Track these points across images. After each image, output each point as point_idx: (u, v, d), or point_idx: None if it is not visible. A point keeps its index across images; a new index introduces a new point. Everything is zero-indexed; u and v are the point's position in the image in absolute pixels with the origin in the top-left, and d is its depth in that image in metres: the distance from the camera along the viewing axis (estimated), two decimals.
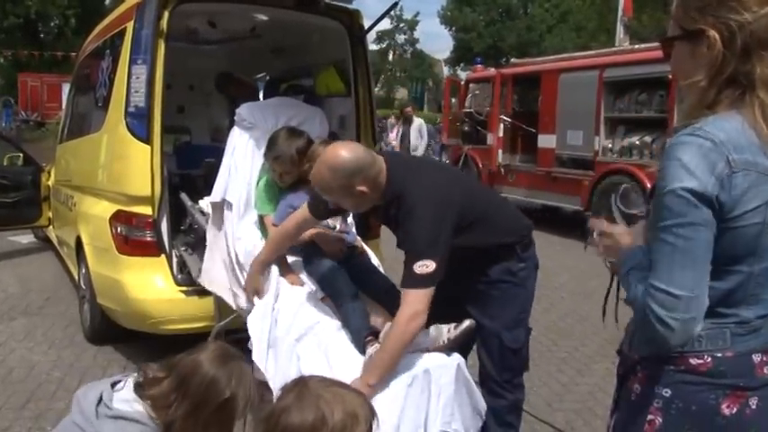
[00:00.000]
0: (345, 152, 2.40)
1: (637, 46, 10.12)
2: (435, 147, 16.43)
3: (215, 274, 3.44)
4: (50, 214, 7.06)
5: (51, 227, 7.07)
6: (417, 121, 12.36)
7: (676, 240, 1.34)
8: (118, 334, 4.43)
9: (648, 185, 8.43)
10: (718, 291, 1.40)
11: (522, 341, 2.75)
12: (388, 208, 2.51)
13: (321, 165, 2.43)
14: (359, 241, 3.32)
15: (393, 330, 2.33)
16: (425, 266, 2.28)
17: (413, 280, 2.30)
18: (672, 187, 1.35)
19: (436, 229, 2.35)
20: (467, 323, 2.51)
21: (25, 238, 8.29)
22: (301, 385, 1.54)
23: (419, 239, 2.34)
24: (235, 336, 3.62)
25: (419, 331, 2.34)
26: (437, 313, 2.43)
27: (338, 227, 3.13)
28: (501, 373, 2.72)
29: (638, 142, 8.89)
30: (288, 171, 3.26)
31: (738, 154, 1.34)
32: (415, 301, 2.29)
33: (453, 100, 13.70)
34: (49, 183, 7.08)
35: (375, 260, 3.20)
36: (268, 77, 6.42)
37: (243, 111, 3.60)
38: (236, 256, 3.23)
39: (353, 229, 3.40)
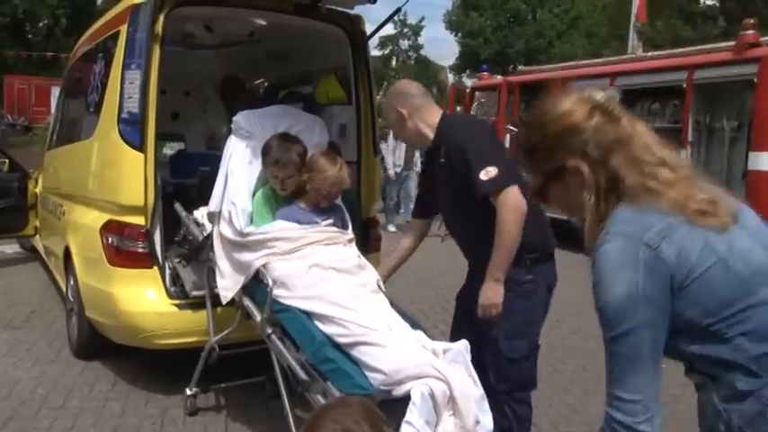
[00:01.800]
0: (401, 82, 3.27)
1: (650, 53, 10.20)
2: None
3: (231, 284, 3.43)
4: (37, 223, 7.09)
5: (38, 236, 7.10)
6: None
7: (620, 349, 1.48)
8: (107, 349, 4.45)
9: None
10: (747, 329, 1.46)
11: (523, 353, 2.85)
12: (438, 148, 2.93)
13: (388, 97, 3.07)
14: (350, 234, 3.40)
15: (501, 228, 2.65)
16: (488, 172, 2.64)
17: (485, 186, 2.65)
18: (605, 301, 1.49)
19: (488, 145, 2.82)
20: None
21: (10, 248, 8.33)
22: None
23: (476, 154, 2.72)
24: (228, 351, 3.67)
25: (522, 220, 2.66)
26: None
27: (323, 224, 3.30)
28: (498, 383, 2.82)
29: None
30: (290, 175, 3.33)
31: (650, 230, 1.46)
32: (504, 199, 2.64)
33: (458, 108, 13.76)
34: (37, 190, 7.12)
35: (374, 274, 3.24)
36: (266, 84, 6.48)
37: (240, 119, 3.63)
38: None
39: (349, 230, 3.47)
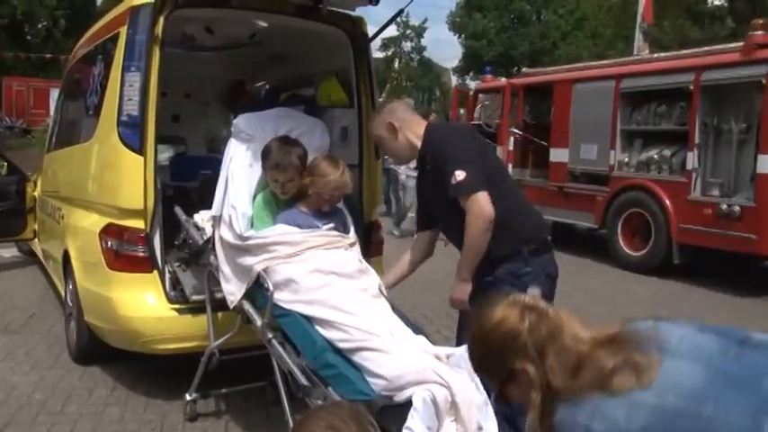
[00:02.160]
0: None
1: (657, 54, 10.20)
2: None
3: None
4: (36, 227, 7.12)
5: (36, 240, 7.13)
6: None
7: None
8: (106, 354, 4.46)
9: (667, 202, 8.52)
10: None
11: None
12: (424, 157, 3.09)
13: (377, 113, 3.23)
14: (351, 238, 3.42)
15: (466, 232, 2.85)
16: (456, 176, 2.81)
17: (453, 190, 2.84)
18: None
19: (462, 149, 2.95)
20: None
21: (8, 252, 8.36)
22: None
23: (447, 157, 2.91)
24: (229, 356, 3.68)
25: (489, 227, 2.83)
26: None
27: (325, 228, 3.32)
28: None
29: (656, 156, 8.93)
30: (291, 178, 3.34)
31: (581, 415, 1.54)
32: (469, 205, 2.82)
33: (462, 111, 13.77)
34: (35, 193, 7.14)
35: (376, 278, 3.25)
36: (267, 86, 6.50)
37: (240, 122, 3.65)
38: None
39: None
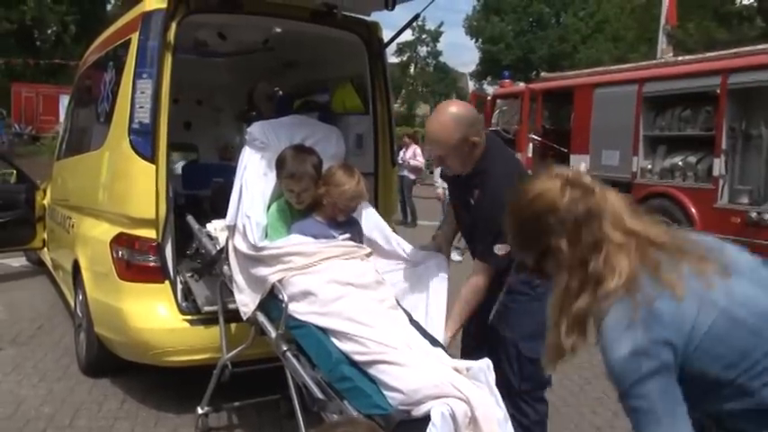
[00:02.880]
0: (463, 105, 3.09)
1: (681, 57, 10.16)
2: None
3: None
4: (45, 236, 7.17)
5: (46, 249, 7.19)
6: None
7: (634, 404, 1.55)
8: (116, 366, 4.49)
9: (693, 210, 8.46)
10: None
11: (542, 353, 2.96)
12: (472, 177, 3.03)
13: (442, 117, 2.95)
14: (367, 248, 3.43)
15: (463, 294, 3.02)
16: (502, 249, 2.85)
17: (492, 258, 2.92)
18: (611, 363, 1.59)
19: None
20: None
21: (17, 261, 8.43)
22: None
23: (497, 222, 2.78)
24: (242, 369, 3.69)
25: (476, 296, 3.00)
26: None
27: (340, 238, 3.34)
28: (521, 383, 3.01)
29: (681, 163, 8.89)
30: (306, 188, 3.35)
31: (642, 292, 1.56)
32: (485, 274, 2.97)
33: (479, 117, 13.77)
34: (45, 202, 7.21)
35: (392, 289, 3.26)
36: (281, 93, 6.54)
37: (254, 130, 3.66)
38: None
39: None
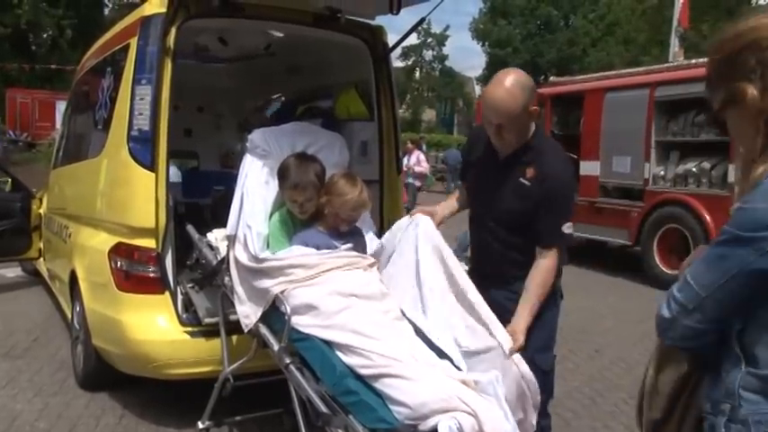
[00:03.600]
0: (523, 72, 3.01)
1: (695, 60, 10.15)
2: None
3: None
4: (41, 245, 7.20)
5: (42, 259, 7.22)
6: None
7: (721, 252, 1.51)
8: (114, 379, 4.50)
9: (707, 218, 8.45)
10: None
11: (553, 365, 3.13)
12: (521, 154, 2.99)
13: (509, 83, 2.87)
14: (371, 258, 3.40)
15: (539, 279, 2.95)
16: (569, 228, 2.96)
17: (562, 238, 2.96)
18: (751, 207, 1.46)
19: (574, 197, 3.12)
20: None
21: (12, 272, 8.46)
22: None
23: (568, 201, 3.04)
24: (244, 382, 3.69)
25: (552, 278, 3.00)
26: None
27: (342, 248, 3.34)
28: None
29: (694, 169, 8.88)
30: (309, 198, 3.37)
31: None
32: (555, 256, 2.97)
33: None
34: (41, 211, 7.23)
35: (397, 300, 3.25)
36: (283, 99, 6.57)
37: (256, 137, 3.67)
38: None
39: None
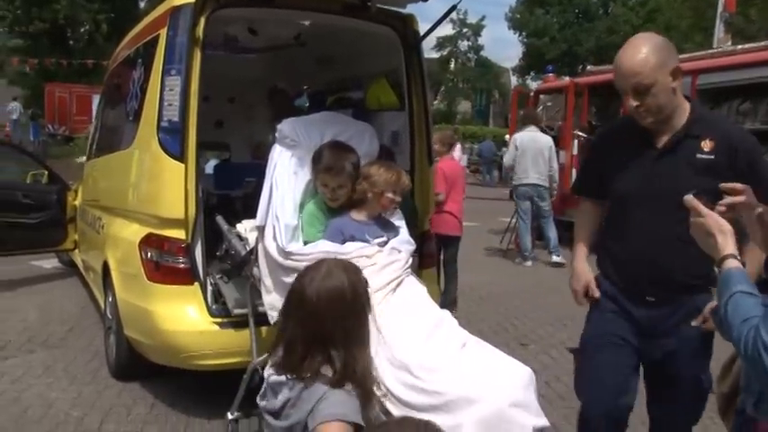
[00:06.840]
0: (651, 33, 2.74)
1: (740, 46, 9.89)
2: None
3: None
4: (76, 237, 7.33)
5: (77, 251, 7.35)
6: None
7: None
8: (146, 369, 4.56)
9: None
10: None
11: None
12: (688, 126, 2.69)
13: (653, 41, 2.61)
14: (402, 256, 3.31)
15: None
16: None
17: None
18: None
19: None
20: None
21: (49, 263, 8.64)
22: None
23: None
24: None
25: None
26: None
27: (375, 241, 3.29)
28: (694, 416, 2.95)
29: None
30: (342, 184, 3.35)
31: None
32: None
33: (521, 113, 13.67)
34: (76, 203, 7.36)
35: (421, 288, 3.23)
36: (313, 89, 6.56)
37: (285, 127, 3.66)
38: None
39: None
